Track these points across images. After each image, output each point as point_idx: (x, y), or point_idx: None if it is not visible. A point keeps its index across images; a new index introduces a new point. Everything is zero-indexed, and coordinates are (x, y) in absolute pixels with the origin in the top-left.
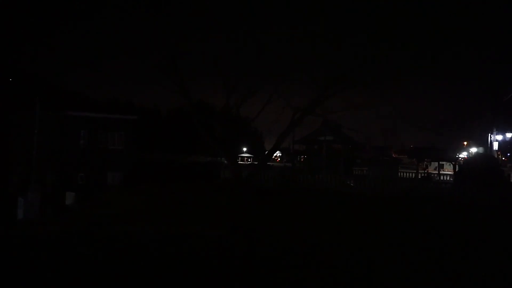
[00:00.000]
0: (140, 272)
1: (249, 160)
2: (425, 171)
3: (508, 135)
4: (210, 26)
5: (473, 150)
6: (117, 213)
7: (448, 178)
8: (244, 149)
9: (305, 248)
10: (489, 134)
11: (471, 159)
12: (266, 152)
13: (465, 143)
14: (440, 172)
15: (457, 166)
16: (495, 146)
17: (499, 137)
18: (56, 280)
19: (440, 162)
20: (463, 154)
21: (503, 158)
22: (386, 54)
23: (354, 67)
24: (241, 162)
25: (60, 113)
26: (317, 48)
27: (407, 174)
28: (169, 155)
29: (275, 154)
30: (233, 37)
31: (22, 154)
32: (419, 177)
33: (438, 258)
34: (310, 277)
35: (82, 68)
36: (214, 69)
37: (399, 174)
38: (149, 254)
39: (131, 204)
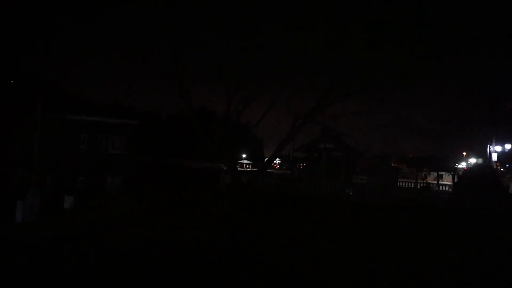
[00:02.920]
0: (136, 277)
1: (248, 166)
2: (424, 181)
3: (507, 146)
4: (212, 31)
5: (472, 160)
6: (115, 217)
7: (447, 188)
8: (244, 155)
9: (300, 254)
10: (488, 145)
11: (470, 169)
12: (266, 159)
13: (464, 153)
14: (439, 182)
15: (456, 176)
16: (494, 157)
17: (498, 148)
18: (51, 282)
19: (439, 172)
20: (462, 164)
21: (502, 169)
22: (387, 62)
23: (355, 75)
24: (241, 169)
25: (61, 116)
26: (318, 54)
27: (406, 184)
28: (168, 160)
29: (274, 161)
30: (235, 42)
31: (23, 156)
32: (418, 186)
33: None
34: (305, 281)
35: (83, 72)
36: (215, 74)
37: (398, 184)
38: (147, 258)
39: (130, 208)
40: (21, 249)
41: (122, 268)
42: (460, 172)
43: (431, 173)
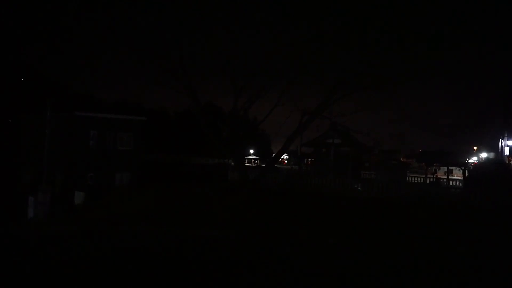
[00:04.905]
0: (148, 273)
1: (256, 162)
2: (434, 176)
3: None
4: (219, 28)
5: (483, 155)
6: (124, 213)
7: (457, 183)
8: (251, 151)
9: (308, 253)
10: (500, 139)
11: (481, 164)
12: (273, 155)
13: (475, 147)
14: (450, 177)
15: (466, 171)
16: (506, 151)
17: (510, 142)
18: (64, 278)
19: (450, 167)
20: (473, 159)
21: None
22: (395, 57)
23: (362, 70)
24: (248, 164)
25: (70, 114)
26: (325, 50)
27: (416, 179)
28: (176, 157)
29: (282, 157)
30: (242, 39)
31: (33, 154)
32: (428, 181)
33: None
34: (311, 278)
35: (91, 70)
36: (222, 71)
37: (408, 179)
38: (157, 255)
39: (139, 204)
40: (32, 246)
41: (132, 265)
42: (471, 167)
43: (441, 167)
